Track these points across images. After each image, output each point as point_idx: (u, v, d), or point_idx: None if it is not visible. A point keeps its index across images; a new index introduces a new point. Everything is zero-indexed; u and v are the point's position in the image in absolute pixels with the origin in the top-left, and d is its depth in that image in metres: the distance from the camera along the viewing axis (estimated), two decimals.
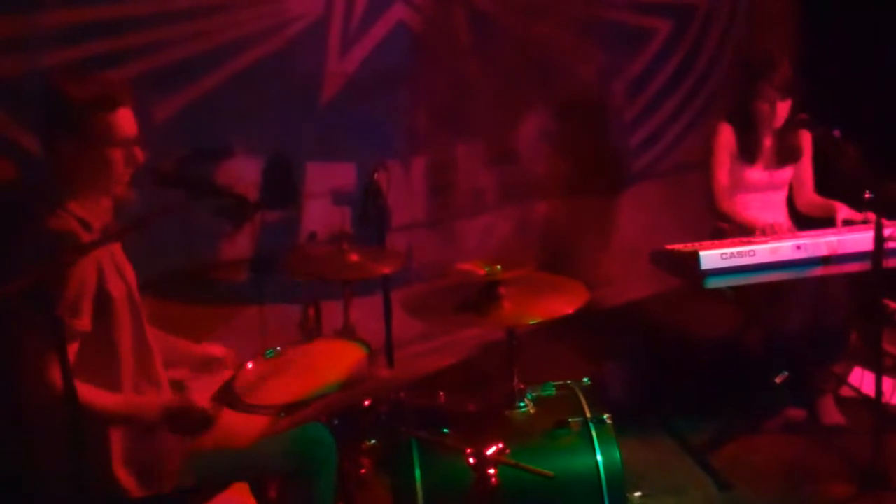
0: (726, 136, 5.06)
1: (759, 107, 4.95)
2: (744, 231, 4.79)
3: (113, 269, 3.12)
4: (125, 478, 3.12)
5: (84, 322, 2.97)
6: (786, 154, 5.10)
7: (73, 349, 2.89)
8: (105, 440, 3.08)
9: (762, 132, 5.03)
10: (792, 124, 4.95)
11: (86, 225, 3.03)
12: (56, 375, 2.71)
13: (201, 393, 3.18)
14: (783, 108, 4.91)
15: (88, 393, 2.90)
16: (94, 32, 4.40)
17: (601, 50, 6.55)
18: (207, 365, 3.57)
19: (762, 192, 5.11)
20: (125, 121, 3.08)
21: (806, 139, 5.14)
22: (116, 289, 3.09)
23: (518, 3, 6.10)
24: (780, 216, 5.12)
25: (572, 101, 6.47)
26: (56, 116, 3.03)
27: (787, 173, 5.16)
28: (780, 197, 5.20)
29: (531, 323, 3.63)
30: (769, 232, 4.63)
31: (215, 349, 3.62)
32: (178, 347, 3.54)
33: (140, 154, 3.13)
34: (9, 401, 3.15)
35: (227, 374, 3.31)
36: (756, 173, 5.08)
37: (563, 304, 3.59)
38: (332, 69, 5.34)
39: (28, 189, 3.28)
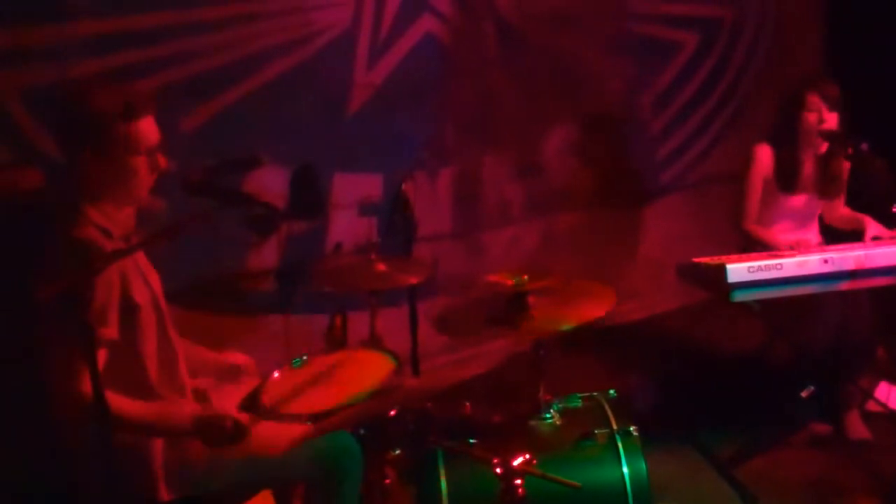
0: (763, 160, 5.00)
1: (805, 117, 4.87)
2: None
3: (138, 277, 3.13)
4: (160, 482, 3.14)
5: (112, 330, 2.99)
6: (829, 187, 5.04)
7: (100, 357, 2.89)
8: (148, 444, 3.11)
9: (804, 150, 4.96)
10: (833, 150, 4.88)
11: (106, 233, 3.04)
12: (85, 383, 2.73)
13: (227, 401, 3.20)
14: (831, 121, 4.83)
15: (118, 401, 2.90)
16: (124, 42, 4.43)
17: (628, 63, 6.55)
18: (230, 373, 3.58)
19: (799, 219, 5.11)
20: (148, 129, 3.08)
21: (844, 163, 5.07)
22: (141, 296, 3.11)
23: (546, 15, 6.09)
24: (812, 231, 5.12)
25: (599, 114, 6.47)
26: (78, 128, 3.02)
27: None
28: (814, 217, 5.19)
29: (564, 329, 3.63)
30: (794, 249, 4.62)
31: (237, 357, 3.63)
32: (200, 355, 3.54)
33: (163, 160, 3.13)
34: (39, 409, 3.16)
35: (250, 383, 3.33)
36: (794, 201, 5.05)
37: (593, 307, 3.59)
38: (360, 80, 5.36)
39: (53, 197, 3.29)
